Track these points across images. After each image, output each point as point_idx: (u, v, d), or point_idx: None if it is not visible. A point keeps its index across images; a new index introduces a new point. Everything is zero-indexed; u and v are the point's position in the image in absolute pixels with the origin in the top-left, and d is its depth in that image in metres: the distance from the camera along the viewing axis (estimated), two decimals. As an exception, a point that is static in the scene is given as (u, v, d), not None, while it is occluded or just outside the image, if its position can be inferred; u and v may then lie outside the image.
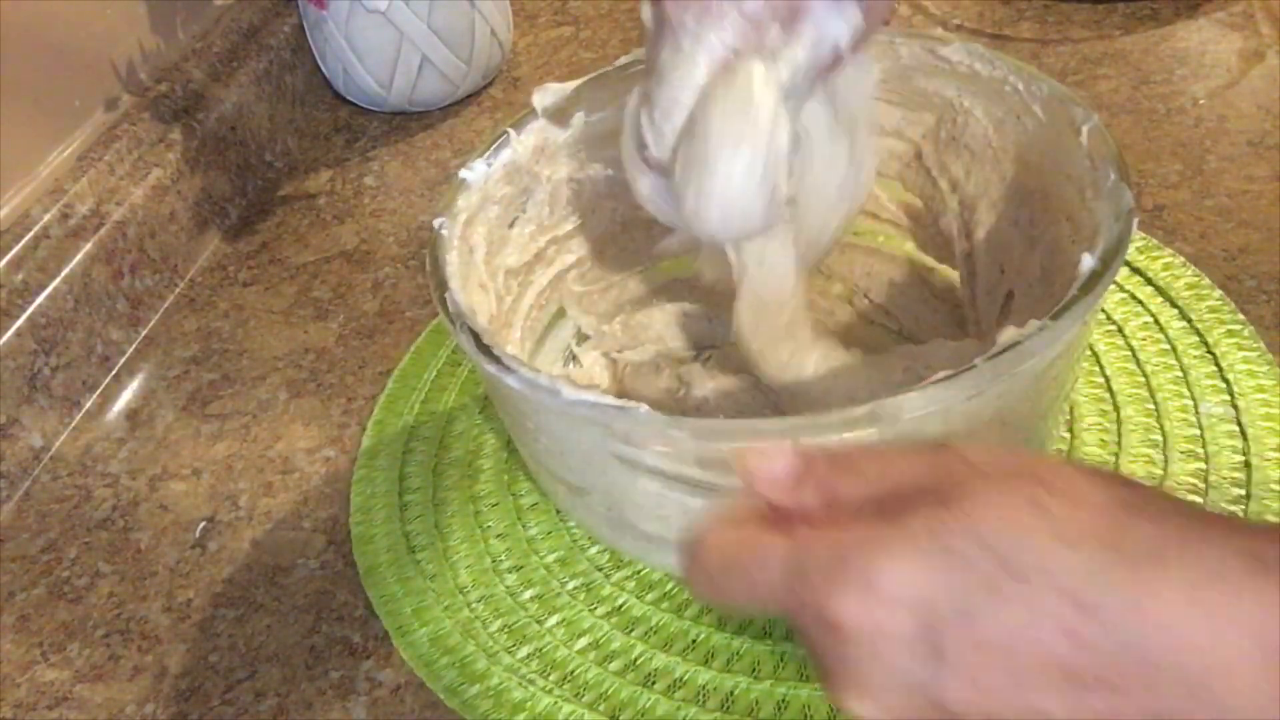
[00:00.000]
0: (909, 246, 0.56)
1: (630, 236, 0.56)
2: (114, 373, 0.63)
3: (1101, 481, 0.26)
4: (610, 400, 0.36)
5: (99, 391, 0.62)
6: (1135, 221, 0.39)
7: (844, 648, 0.26)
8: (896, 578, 0.25)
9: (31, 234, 0.60)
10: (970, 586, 0.25)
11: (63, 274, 0.60)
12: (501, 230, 0.50)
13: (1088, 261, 0.37)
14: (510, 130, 0.50)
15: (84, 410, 0.61)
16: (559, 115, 0.51)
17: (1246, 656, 0.24)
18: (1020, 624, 0.25)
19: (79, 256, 0.61)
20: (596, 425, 0.37)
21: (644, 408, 0.36)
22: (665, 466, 0.37)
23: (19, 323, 0.57)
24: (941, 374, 0.34)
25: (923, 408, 0.34)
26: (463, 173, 0.48)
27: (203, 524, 0.54)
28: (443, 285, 0.43)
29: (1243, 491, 0.46)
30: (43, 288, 0.59)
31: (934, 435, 0.36)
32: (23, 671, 0.48)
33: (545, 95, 0.50)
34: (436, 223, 0.46)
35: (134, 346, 0.65)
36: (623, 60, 0.52)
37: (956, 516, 0.26)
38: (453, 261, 0.44)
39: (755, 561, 0.28)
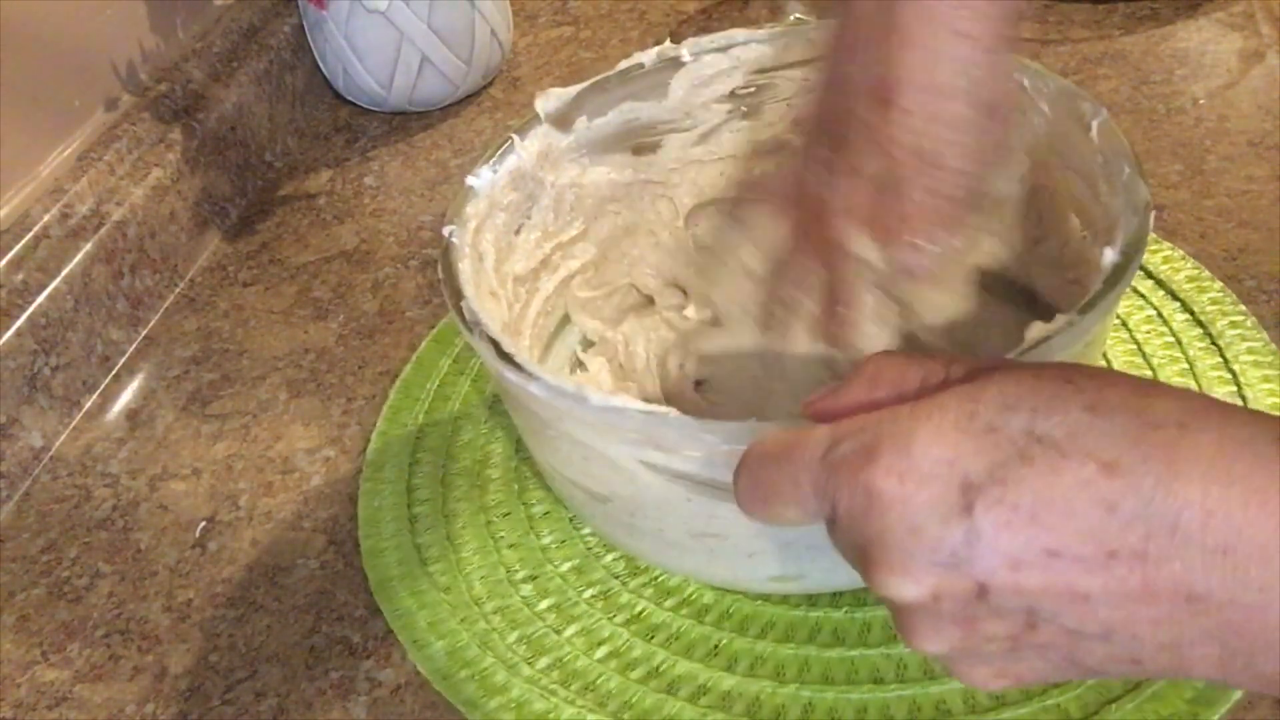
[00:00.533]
0: None
1: (634, 241, 0.56)
2: (114, 373, 0.63)
3: (1124, 373, 0.27)
4: (639, 405, 0.36)
5: (99, 391, 0.62)
6: (1153, 215, 0.39)
7: (881, 521, 0.26)
8: (928, 444, 0.26)
9: (31, 234, 0.60)
10: (1003, 454, 0.25)
11: (63, 274, 0.60)
12: (508, 237, 0.50)
13: (1110, 255, 0.37)
14: (515, 136, 0.50)
15: (84, 410, 0.61)
16: (561, 120, 0.51)
17: (1274, 527, 0.23)
18: (1053, 491, 0.25)
19: (79, 256, 0.61)
20: (624, 431, 0.37)
21: (674, 412, 0.35)
22: (694, 471, 0.37)
23: (19, 323, 0.57)
24: None
25: None
26: (469, 179, 0.48)
27: (203, 524, 0.54)
28: (458, 294, 0.42)
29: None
30: (43, 288, 0.59)
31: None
32: (23, 671, 0.48)
33: (548, 100, 0.50)
34: (446, 231, 0.45)
35: (134, 346, 0.65)
36: (624, 64, 0.52)
37: (987, 388, 0.26)
38: (466, 270, 0.44)
39: (797, 450, 0.28)
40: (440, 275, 0.44)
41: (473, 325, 0.41)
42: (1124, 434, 0.25)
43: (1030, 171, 0.49)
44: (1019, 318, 0.43)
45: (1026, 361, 0.28)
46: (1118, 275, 0.37)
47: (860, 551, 0.27)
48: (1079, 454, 0.25)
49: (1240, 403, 0.49)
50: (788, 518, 0.29)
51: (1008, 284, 0.50)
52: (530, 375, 0.38)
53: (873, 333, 0.44)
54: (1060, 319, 0.36)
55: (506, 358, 0.39)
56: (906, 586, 0.26)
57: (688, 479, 0.37)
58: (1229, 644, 0.25)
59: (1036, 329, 0.36)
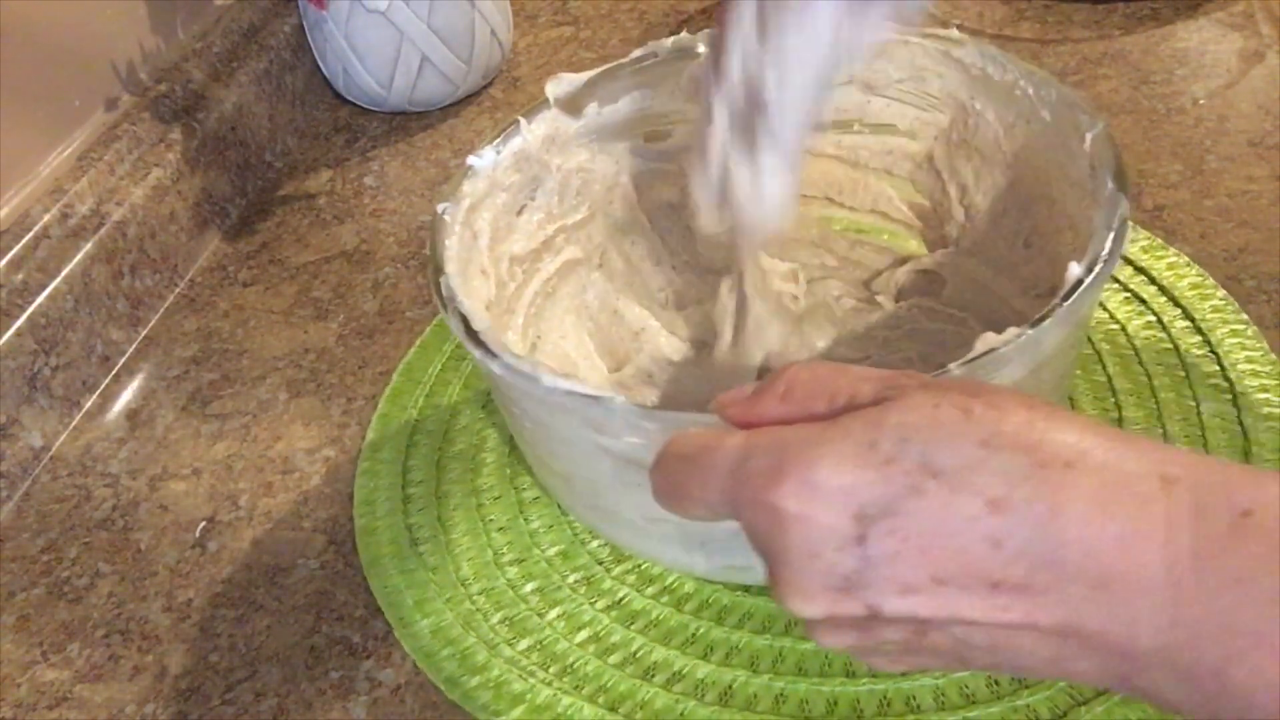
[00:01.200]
0: (913, 245, 0.56)
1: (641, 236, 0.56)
2: (114, 373, 0.63)
3: (1027, 399, 0.28)
4: (585, 389, 0.37)
5: (99, 391, 0.62)
6: (1128, 233, 0.39)
7: (782, 540, 0.27)
8: (830, 471, 0.27)
9: (31, 234, 0.60)
10: (896, 486, 0.26)
11: (63, 274, 0.60)
12: (508, 217, 0.50)
13: (1075, 270, 0.37)
14: (521, 119, 0.50)
15: (84, 410, 0.61)
16: (571, 105, 0.51)
17: (1148, 564, 0.25)
18: (941, 526, 0.26)
19: (79, 256, 0.61)
20: (574, 414, 0.38)
21: (619, 398, 0.36)
22: (640, 456, 0.37)
23: (19, 323, 0.57)
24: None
25: None
26: (471, 158, 0.48)
27: (203, 524, 0.54)
28: (439, 269, 0.43)
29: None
30: (43, 288, 0.59)
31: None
32: (23, 671, 0.48)
33: (559, 85, 0.51)
34: (439, 208, 0.46)
35: (134, 346, 0.65)
36: (637, 53, 0.52)
37: (887, 417, 0.27)
38: (452, 246, 0.44)
39: (709, 455, 0.29)
40: (428, 249, 0.44)
41: (448, 300, 0.41)
42: (1013, 471, 0.26)
43: (1025, 181, 0.49)
44: None
45: (938, 382, 0.28)
46: (1074, 289, 0.37)
47: (765, 562, 0.29)
48: (968, 490, 0.26)
49: (1234, 411, 0.49)
50: (697, 515, 0.31)
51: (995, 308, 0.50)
52: (492, 353, 0.39)
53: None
54: (1010, 331, 0.35)
55: (473, 334, 0.40)
56: (804, 604, 0.28)
57: (636, 463, 0.38)
58: (1107, 665, 0.26)
59: (984, 340, 0.35)
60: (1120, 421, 0.50)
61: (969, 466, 0.26)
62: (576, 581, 0.48)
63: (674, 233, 0.57)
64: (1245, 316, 0.53)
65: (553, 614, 0.47)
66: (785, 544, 0.27)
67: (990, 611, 0.26)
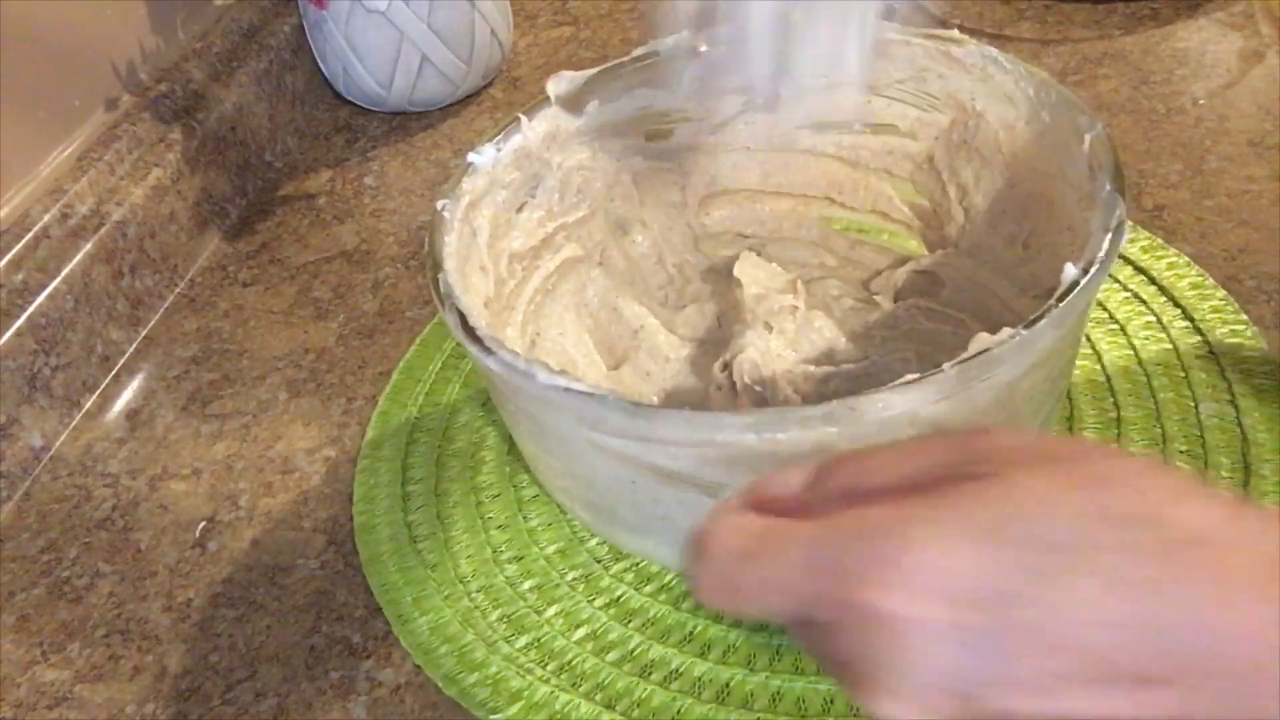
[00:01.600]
0: (913, 245, 0.56)
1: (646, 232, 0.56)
2: (114, 373, 0.63)
3: (1146, 468, 0.25)
4: (580, 386, 0.36)
5: (99, 391, 0.62)
6: (1125, 235, 0.39)
7: (878, 641, 0.24)
8: (937, 561, 0.23)
9: (31, 234, 0.60)
10: (1014, 571, 0.23)
11: (63, 274, 0.60)
12: (508, 214, 0.50)
13: (1070, 272, 0.37)
14: (522, 116, 0.50)
15: (84, 410, 0.61)
16: (572, 103, 0.51)
17: None
18: (1067, 612, 0.23)
19: (79, 256, 0.61)
20: (569, 411, 0.38)
21: (612, 395, 0.36)
22: (635, 454, 0.37)
23: (19, 323, 0.57)
24: (908, 376, 0.34)
25: (884, 410, 0.34)
26: (471, 155, 0.48)
27: (203, 524, 0.54)
28: (437, 266, 0.43)
29: (1242, 493, 0.46)
30: (43, 288, 0.59)
31: (900, 439, 0.35)
32: (23, 671, 0.48)
33: (559, 83, 0.51)
34: (439, 204, 0.46)
35: (134, 346, 0.65)
36: (638, 51, 0.52)
37: (998, 497, 0.24)
38: (451, 243, 0.45)
39: (774, 548, 0.25)
40: (426, 246, 0.44)
41: (445, 297, 0.41)
42: (1142, 550, 0.23)
43: (1025, 182, 0.49)
44: None
45: (1033, 451, 0.25)
46: (1069, 290, 0.37)
47: (844, 666, 0.25)
48: (1096, 573, 0.23)
49: (1233, 412, 0.49)
50: (749, 615, 0.28)
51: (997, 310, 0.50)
52: (488, 350, 0.39)
53: None
54: (1005, 331, 0.35)
55: (470, 331, 0.40)
56: (905, 710, 0.24)
57: (631, 461, 0.38)
58: None
59: (979, 340, 0.35)
60: (1119, 422, 0.50)
61: (1095, 549, 0.23)
62: (575, 579, 0.48)
63: (674, 231, 0.57)
64: (1245, 317, 0.53)
65: (551, 611, 0.47)
66: (883, 646, 0.24)
67: (1121, 709, 0.23)
